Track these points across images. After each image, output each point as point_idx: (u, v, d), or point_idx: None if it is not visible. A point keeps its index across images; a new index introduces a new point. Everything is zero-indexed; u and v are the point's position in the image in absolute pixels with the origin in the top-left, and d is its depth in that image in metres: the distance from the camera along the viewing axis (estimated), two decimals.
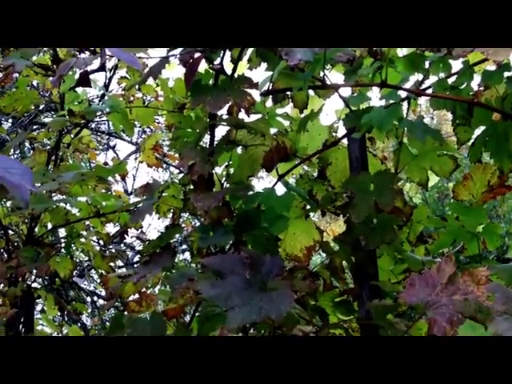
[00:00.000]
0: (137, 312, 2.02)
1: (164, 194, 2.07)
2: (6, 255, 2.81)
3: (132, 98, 3.09)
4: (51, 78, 2.69)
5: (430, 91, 1.70)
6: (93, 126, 4.84)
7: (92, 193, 2.77)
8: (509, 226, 6.82)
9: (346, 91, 1.95)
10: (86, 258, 4.64)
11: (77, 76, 2.19)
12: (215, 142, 1.92)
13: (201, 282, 1.39)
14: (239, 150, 1.96)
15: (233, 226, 1.78)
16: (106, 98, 3.25)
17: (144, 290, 2.10)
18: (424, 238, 1.96)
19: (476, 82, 1.67)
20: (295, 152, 1.99)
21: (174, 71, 2.45)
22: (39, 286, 3.72)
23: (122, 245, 5.16)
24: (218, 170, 1.95)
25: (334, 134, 2.02)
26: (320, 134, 2.01)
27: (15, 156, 5.26)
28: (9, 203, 2.98)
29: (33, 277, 3.00)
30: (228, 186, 1.92)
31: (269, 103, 2.02)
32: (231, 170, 1.95)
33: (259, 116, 1.97)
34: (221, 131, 1.92)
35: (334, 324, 1.82)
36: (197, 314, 1.86)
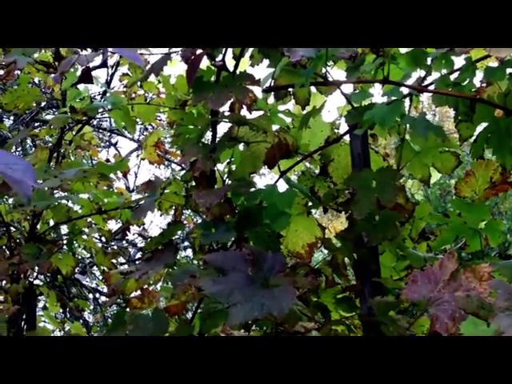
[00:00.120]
0: (139, 309, 2.02)
1: (166, 191, 2.07)
2: (8, 252, 2.81)
3: (134, 95, 3.09)
4: (53, 75, 2.69)
5: (432, 88, 1.69)
6: (94, 123, 4.84)
7: (94, 190, 2.77)
8: (511, 223, 6.82)
9: (348, 88, 1.95)
10: (88, 255, 4.65)
11: (78, 73, 2.19)
12: (217, 139, 1.92)
13: (203, 279, 1.39)
14: (241, 146, 1.96)
15: (235, 222, 1.78)
16: (107, 94, 3.25)
17: (146, 286, 2.10)
18: (426, 234, 1.96)
19: (478, 78, 1.67)
20: (297, 149, 1.98)
21: (176, 68, 2.45)
22: (41, 283, 3.72)
23: (124, 242, 5.16)
24: (220, 166, 1.95)
25: (336, 130, 2.02)
26: (322, 130, 2.01)
27: (17, 153, 5.26)
28: (11, 200, 2.99)
29: (35, 274, 3.00)
30: (230, 182, 1.92)
31: (271, 100, 2.02)
32: (233, 167, 1.95)
33: (261, 113, 1.97)
34: (223, 128, 1.92)
35: (336, 321, 1.83)
36: (199, 310, 1.86)
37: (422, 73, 1.64)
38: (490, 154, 1.78)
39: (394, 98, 1.54)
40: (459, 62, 1.60)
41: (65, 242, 3.01)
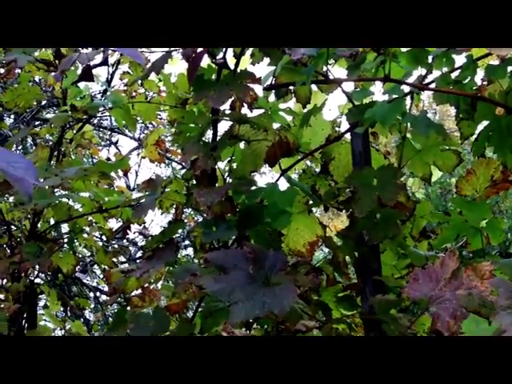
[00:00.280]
0: (140, 307, 2.02)
1: (167, 190, 2.07)
2: (8, 251, 2.81)
3: (134, 94, 3.09)
4: (53, 73, 2.69)
5: (433, 86, 1.69)
6: (95, 121, 4.83)
7: (95, 188, 2.77)
8: (511, 222, 6.81)
9: (349, 86, 1.95)
10: (89, 254, 4.65)
11: (79, 71, 2.19)
12: (218, 137, 1.91)
13: (204, 277, 1.39)
14: (242, 145, 1.96)
15: (236, 221, 1.78)
16: (108, 93, 3.25)
17: (147, 285, 2.10)
18: (427, 233, 1.96)
19: (479, 76, 1.66)
20: (298, 147, 1.98)
21: (177, 66, 2.45)
22: (42, 282, 3.72)
23: (125, 241, 5.16)
24: (221, 165, 1.95)
25: (336, 128, 2.01)
26: (323, 128, 2.01)
27: (17, 152, 5.25)
28: (11, 199, 2.99)
29: (36, 272, 3.00)
30: (231, 181, 1.92)
31: (271, 98, 2.02)
32: (234, 165, 1.95)
33: (262, 111, 1.97)
34: (223, 126, 1.92)
35: (337, 319, 1.82)
36: (200, 309, 1.86)
37: (423, 71, 1.64)
38: (491, 152, 1.78)
39: (395, 96, 1.54)
40: (460, 60, 1.60)
41: (65, 240, 3.01)
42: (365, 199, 1.65)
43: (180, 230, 3.07)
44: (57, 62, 2.71)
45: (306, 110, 1.96)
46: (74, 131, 3.23)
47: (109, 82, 3.50)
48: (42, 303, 4.42)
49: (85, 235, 3.07)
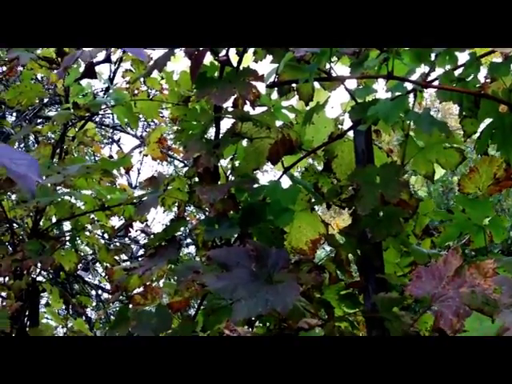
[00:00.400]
0: (142, 305, 2.02)
1: (169, 187, 2.07)
2: (11, 248, 2.81)
3: (136, 91, 3.09)
4: (56, 71, 2.69)
5: (436, 83, 1.69)
6: (97, 119, 4.84)
7: (97, 186, 2.77)
8: None
9: (352, 83, 1.94)
10: (91, 252, 4.65)
11: (81, 69, 2.19)
12: (220, 135, 1.91)
13: (207, 275, 1.39)
14: (244, 142, 1.95)
15: (238, 218, 1.78)
16: (110, 91, 3.25)
17: (149, 283, 2.10)
18: (430, 230, 1.96)
19: (483, 74, 1.66)
20: (301, 145, 1.98)
21: (179, 64, 2.44)
22: (44, 280, 3.72)
23: (127, 239, 5.16)
24: (224, 162, 1.95)
25: (339, 126, 2.01)
26: (326, 126, 2.00)
27: (20, 149, 5.25)
28: (14, 196, 2.99)
29: (38, 270, 3.00)
30: (233, 178, 1.92)
31: (274, 96, 2.02)
32: (236, 163, 1.95)
33: (265, 108, 1.97)
34: (226, 124, 1.92)
35: (340, 317, 1.82)
36: (202, 307, 1.86)
37: (426, 68, 1.64)
38: (493, 151, 1.77)
39: (398, 93, 1.54)
40: (463, 57, 1.60)
41: (68, 238, 3.01)
42: (368, 197, 1.64)
43: (182, 228, 3.07)
44: (59, 59, 2.71)
45: (308, 108, 1.95)
46: (77, 129, 3.23)
47: (111, 79, 3.50)
48: (43, 301, 4.42)
49: (87, 233, 3.07)
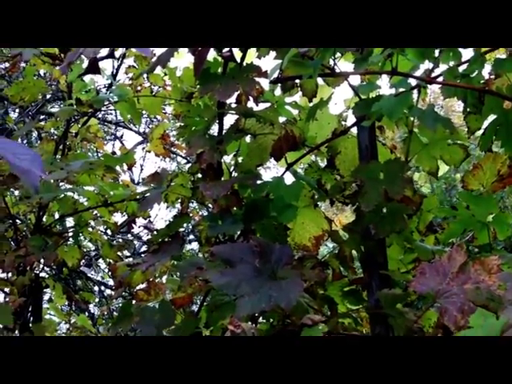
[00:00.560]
0: (145, 301, 2.02)
1: (172, 183, 2.06)
2: (14, 244, 2.81)
3: (140, 88, 3.08)
4: (59, 66, 2.68)
5: (440, 79, 1.68)
6: (100, 115, 4.84)
7: (100, 182, 2.77)
8: None
9: (356, 79, 1.94)
10: (94, 248, 4.65)
11: (84, 65, 2.18)
12: (224, 131, 1.91)
13: (210, 271, 1.39)
14: (248, 138, 1.95)
15: (242, 214, 1.78)
16: (113, 87, 3.25)
17: (152, 279, 2.10)
18: (434, 227, 1.95)
19: (487, 70, 1.65)
20: (304, 141, 1.98)
21: (183, 60, 2.44)
22: (47, 276, 3.73)
23: (129, 235, 5.17)
24: (227, 158, 1.94)
25: (343, 122, 2.01)
26: (329, 122, 2.00)
27: None
28: (17, 192, 2.99)
29: (41, 266, 3.00)
30: (237, 174, 1.92)
31: (278, 92, 2.01)
32: (240, 159, 1.95)
33: (268, 105, 1.97)
34: (229, 120, 1.92)
35: (343, 313, 1.83)
36: (205, 303, 1.86)
37: (430, 65, 1.63)
38: (497, 148, 1.77)
39: (401, 89, 1.53)
40: (467, 53, 1.59)
41: (71, 234, 3.01)
42: (371, 193, 1.64)
43: (185, 224, 3.07)
44: (62, 55, 2.71)
45: (312, 104, 1.95)
46: (80, 125, 3.23)
47: (114, 75, 3.50)
48: (46, 297, 4.42)
49: (90, 229, 3.08)
